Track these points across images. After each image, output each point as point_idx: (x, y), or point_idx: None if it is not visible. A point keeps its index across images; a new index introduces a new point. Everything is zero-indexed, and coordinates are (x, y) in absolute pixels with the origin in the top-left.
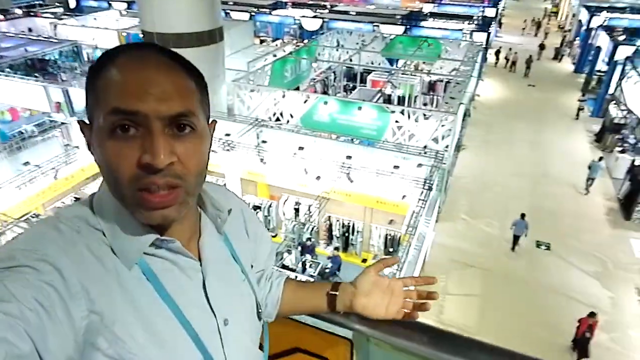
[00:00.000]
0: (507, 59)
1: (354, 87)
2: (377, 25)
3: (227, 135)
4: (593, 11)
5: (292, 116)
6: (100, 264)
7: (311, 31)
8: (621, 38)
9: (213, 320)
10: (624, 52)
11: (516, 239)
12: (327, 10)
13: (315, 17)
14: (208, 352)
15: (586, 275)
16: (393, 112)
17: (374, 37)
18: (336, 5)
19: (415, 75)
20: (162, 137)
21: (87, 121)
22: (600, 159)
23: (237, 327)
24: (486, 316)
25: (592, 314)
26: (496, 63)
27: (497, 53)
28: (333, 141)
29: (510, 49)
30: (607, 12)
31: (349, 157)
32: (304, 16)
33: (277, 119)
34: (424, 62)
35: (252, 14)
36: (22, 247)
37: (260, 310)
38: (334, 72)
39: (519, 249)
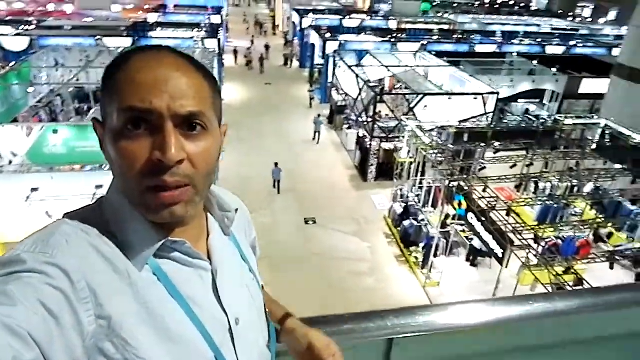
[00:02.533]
0: (246, 57)
1: (90, 109)
2: (100, 39)
3: None
4: (302, 14)
5: (14, 155)
6: (110, 267)
7: (17, 52)
8: (327, 35)
9: (225, 319)
10: (331, 46)
11: (277, 182)
12: (33, 27)
13: (18, 34)
14: (220, 352)
15: (347, 235)
16: None
17: (99, 51)
18: (44, 20)
19: None
20: (174, 134)
21: (100, 119)
22: (319, 115)
23: (248, 326)
24: (290, 296)
25: None
26: (236, 61)
27: (235, 53)
28: (77, 173)
29: (248, 48)
30: (313, 14)
31: (99, 187)
32: (3, 35)
33: None
34: None
35: None
36: (30, 250)
37: (267, 311)
38: (59, 95)
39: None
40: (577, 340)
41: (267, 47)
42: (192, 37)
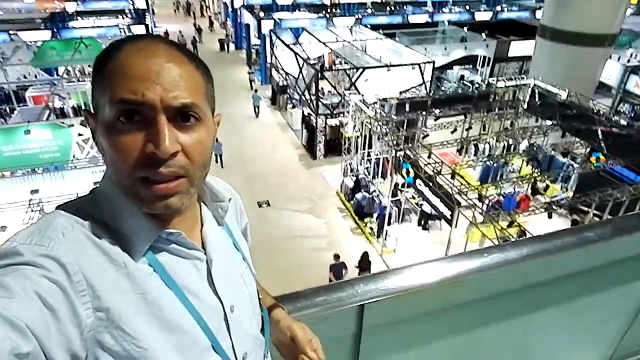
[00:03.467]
0: (178, 41)
1: (12, 110)
2: (15, 33)
3: None
4: None
5: None
6: (106, 258)
7: None
8: (261, 14)
9: (220, 307)
10: (266, 26)
11: (219, 157)
12: None
13: None
14: (216, 339)
15: (303, 213)
16: (72, 125)
17: (15, 47)
18: None
19: (85, 81)
20: (167, 127)
21: (92, 110)
22: (256, 91)
23: (243, 313)
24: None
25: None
26: None
27: (166, 34)
28: (7, 179)
29: (180, 31)
30: None
31: (35, 192)
32: None
33: None
34: (89, 66)
35: None
36: (26, 242)
37: (260, 296)
38: None
39: (232, 180)
40: (528, 285)
41: (199, 30)
42: (117, 25)
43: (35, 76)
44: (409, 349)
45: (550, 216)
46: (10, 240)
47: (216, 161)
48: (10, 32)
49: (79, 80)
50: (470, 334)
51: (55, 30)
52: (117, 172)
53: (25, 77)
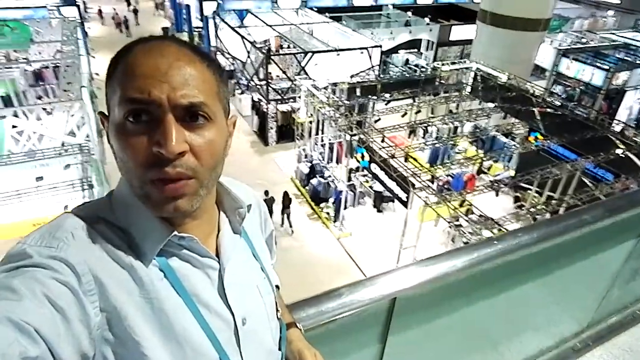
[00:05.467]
0: (114, 19)
1: None
2: None
3: None
4: None
5: None
6: (116, 260)
7: None
8: None
9: (231, 319)
10: (209, 7)
11: None
12: None
13: None
14: (225, 352)
15: None
16: (4, 117)
17: None
18: None
19: (11, 68)
20: (175, 126)
21: (106, 112)
22: None
23: (256, 327)
24: None
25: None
26: (102, 22)
27: (100, 13)
28: None
29: (114, 9)
30: None
31: None
32: None
33: None
34: (15, 51)
35: None
36: (36, 243)
37: (279, 309)
38: None
39: None
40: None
41: (135, 11)
42: (44, 6)
43: None
44: (429, 337)
45: (497, 194)
46: (20, 242)
47: None
48: None
49: (5, 67)
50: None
51: None
52: (127, 173)
53: None
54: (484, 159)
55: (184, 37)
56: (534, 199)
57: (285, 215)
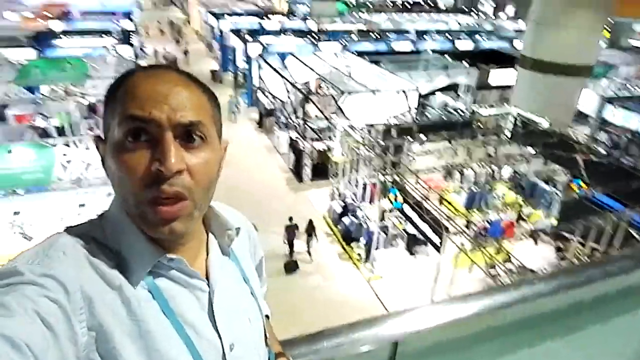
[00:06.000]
0: (165, 58)
1: None
2: None
3: None
4: (219, 16)
5: None
6: (105, 280)
7: None
8: (248, 38)
9: (218, 344)
10: (254, 49)
11: None
12: None
13: None
14: None
15: None
16: (55, 145)
17: None
18: None
19: (68, 100)
20: (174, 145)
21: (102, 137)
22: (231, 96)
23: (243, 353)
24: None
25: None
26: (157, 61)
27: (156, 53)
28: None
29: (164, 48)
30: (230, 16)
31: (17, 213)
32: None
33: None
34: (72, 85)
35: None
36: (28, 262)
37: (267, 336)
38: None
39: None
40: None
41: (185, 52)
42: (104, 46)
43: (16, 95)
44: None
45: (536, 242)
46: (13, 260)
47: None
48: None
49: (62, 100)
50: None
51: (40, 49)
52: (124, 192)
53: (7, 95)
54: (524, 205)
55: (229, 77)
56: (577, 251)
57: (307, 243)
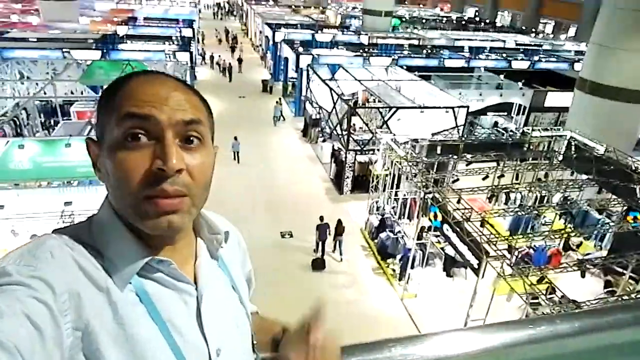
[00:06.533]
0: (218, 64)
1: (57, 123)
2: (68, 51)
3: None
4: (274, 28)
5: None
6: (92, 283)
7: None
8: (300, 49)
9: (205, 349)
10: (305, 60)
11: (236, 153)
12: None
13: None
14: None
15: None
16: None
17: (66, 64)
18: (7, 32)
19: None
20: (174, 144)
21: (95, 139)
22: (277, 103)
23: (230, 358)
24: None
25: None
26: (212, 66)
27: (212, 59)
28: (43, 189)
29: (219, 55)
30: (285, 28)
31: (68, 204)
32: None
33: None
34: None
35: None
36: (15, 262)
37: (255, 343)
38: (24, 109)
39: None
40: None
41: (239, 60)
42: (163, 50)
43: (82, 93)
44: None
45: (583, 275)
46: (1, 261)
47: (234, 158)
48: (64, 50)
49: None
50: None
51: (104, 50)
52: (122, 192)
53: (72, 92)
54: (573, 234)
55: (279, 86)
56: (628, 286)
57: (337, 242)
